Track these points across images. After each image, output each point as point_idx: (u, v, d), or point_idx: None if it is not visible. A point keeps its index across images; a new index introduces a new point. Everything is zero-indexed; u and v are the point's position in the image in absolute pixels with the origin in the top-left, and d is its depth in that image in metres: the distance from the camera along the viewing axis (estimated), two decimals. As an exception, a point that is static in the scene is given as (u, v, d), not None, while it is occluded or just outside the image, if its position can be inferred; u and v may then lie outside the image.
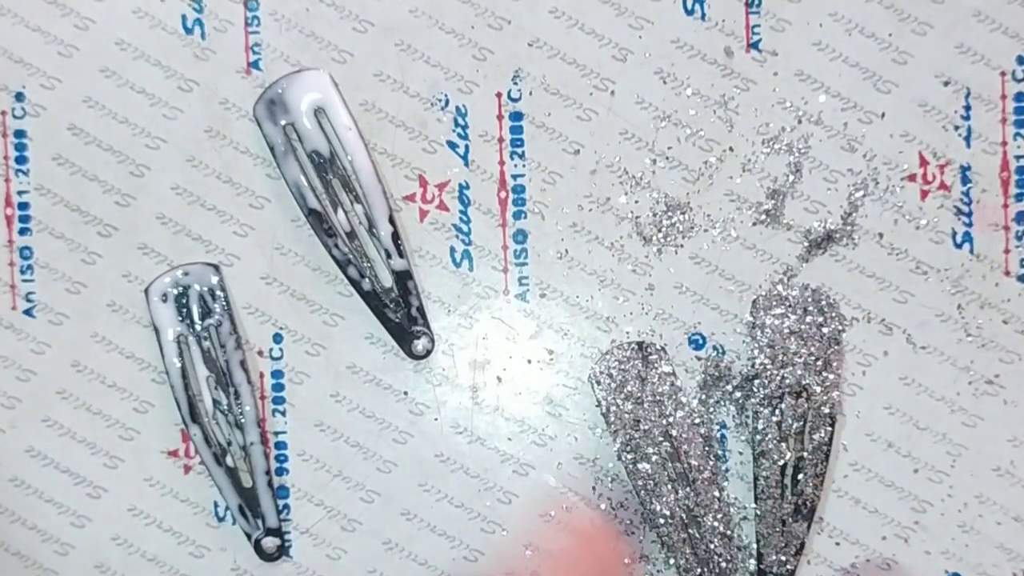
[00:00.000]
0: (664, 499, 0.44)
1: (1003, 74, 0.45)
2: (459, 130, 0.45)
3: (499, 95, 0.45)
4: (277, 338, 0.45)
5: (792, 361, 0.44)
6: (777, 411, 0.44)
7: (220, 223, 0.45)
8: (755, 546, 0.45)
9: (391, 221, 0.44)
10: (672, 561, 0.44)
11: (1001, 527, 0.45)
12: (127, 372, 0.45)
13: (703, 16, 0.45)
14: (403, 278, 0.44)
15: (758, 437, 0.44)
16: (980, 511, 0.45)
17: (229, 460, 0.44)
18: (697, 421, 0.44)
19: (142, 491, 0.45)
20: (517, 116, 0.45)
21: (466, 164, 0.45)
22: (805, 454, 0.44)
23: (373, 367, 0.45)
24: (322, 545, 0.45)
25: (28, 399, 0.45)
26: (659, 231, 0.45)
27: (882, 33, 0.45)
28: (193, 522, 0.45)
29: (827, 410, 0.44)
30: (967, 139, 0.45)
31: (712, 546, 0.44)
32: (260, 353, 0.45)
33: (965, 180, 0.45)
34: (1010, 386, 0.45)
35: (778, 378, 0.44)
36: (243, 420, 0.44)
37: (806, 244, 0.45)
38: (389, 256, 0.44)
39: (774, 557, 0.44)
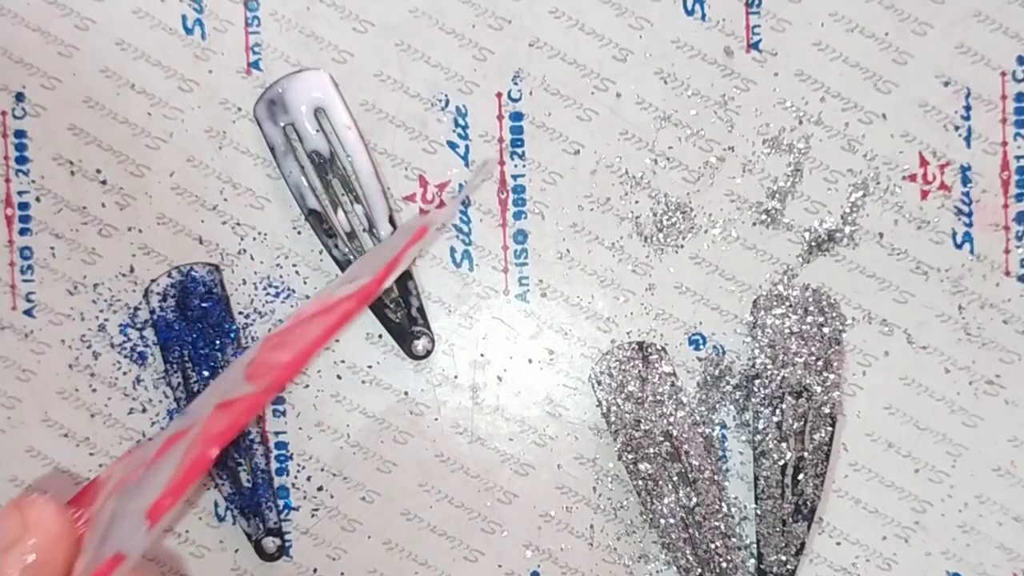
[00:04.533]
0: (664, 499, 0.44)
1: (1003, 74, 0.45)
2: (459, 130, 0.45)
3: (499, 95, 0.45)
4: (277, 338, 0.45)
5: (792, 361, 0.44)
6: (777, 411, 0.44)
7: (220, 223, 0.45)
8: (755, 546, 0.45)
9: (391, 221, 0.44)
10: (672, 561, 0.44)
11: (1001, 527, 0.45)
12: (127, 372, 0.45)
13: (703, 16, 0.45)
14: (403, 278, 0.44)
15: (758, 437, 0.44)
16: (980, 511, 0.45)
17: (229, 460, 0.44)
18: (697, 421, 0.44)
19: (142, 491, 0.45)
20: (517, 116, 0.45)
21: (466, 164, 0.45)
22: (805, 454, 0.44)
23: (373, 367, 0.45)
24: (322, 545, 0.45)
25: (28, 399, 0.45)
26: (659, 231, 0.45)
27: (882, 33, 0.45)
28: (193, 522, 0.45)
29: (827, 410, 0.44)
30: (967, 139, 0.45)
31: (713, 546, 0.44)
32: (260, 353, 0.45)
33: (965, 180, 0.45)
34: (1010, 386, 0.45)
35: (778, 378, 0.44)
36: (243, 420, 0.44)
37: (806, 244, 0.45)
38: (389, 256, 0.44)
39: (774, 557, 0.44)
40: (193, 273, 0.44)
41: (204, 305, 0.44)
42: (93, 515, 0.34)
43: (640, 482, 0.44)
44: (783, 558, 0.44)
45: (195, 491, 0.45)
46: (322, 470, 0.45)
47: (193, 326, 0.44)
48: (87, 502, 0.36)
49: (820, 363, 0.44)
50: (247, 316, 0.45)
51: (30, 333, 0.45)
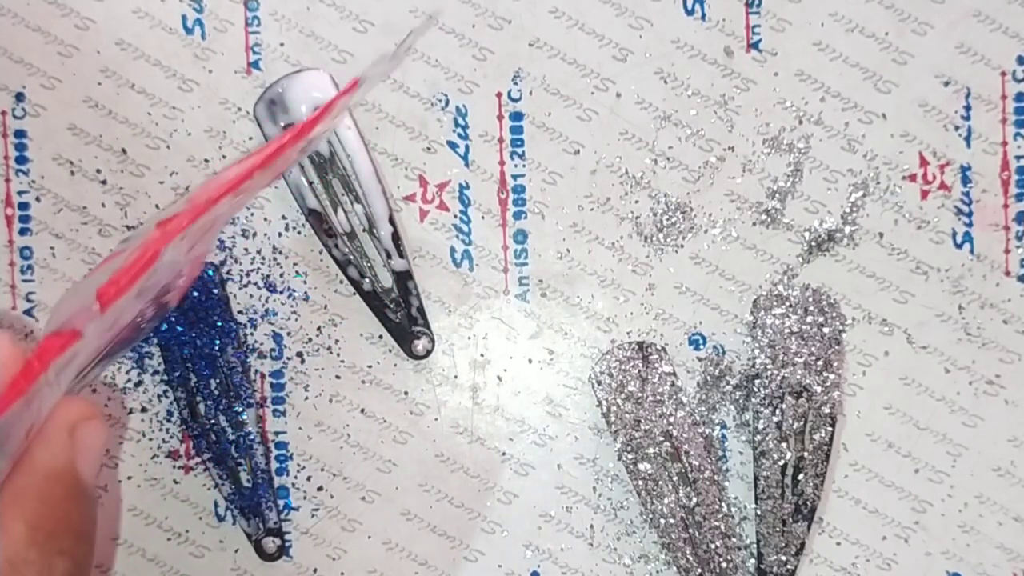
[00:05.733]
0: (664, 499, 0.44)
1: (1003, 74, 0.45)
2: (459, 130, 0.45)
3: (499, 95, 0.45)
4: (277, 338, 0.45)
5: (792, 361, 0.44)
6: (777, 411, 0.44)
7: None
8: (755, 546, 0.45)
9: (391, 221, 0.44)
10: (672, 561, 0.44)
11: (1001, 527, 0.45)
12: (127, 372, 0.45)
13: (703, 16, 0.45)
14: (403, 278, 0.44)
15: (758, 437, 0.44)
16: (980, 511, 0.45)
17: (229, 460, 0.44)
18: (697, 421, 0.44)
19: (142, 491, 0.45)
20: (517, 116, 0.45)
21: (466, 164, 0.45)
22: (805, 454, 0.44)
23: (373, 367, 0.45)
24: (322, 545, 0.45)
25: (28, 399, 0.45)
26: (659, 231, 0.45)
27: (882, 33, 0.45)
28: (193, 522, 0.45)
29: (827, 410, 0.44)
30: (967, 139, 0.45)
31: (713, 546, 0.44)
32: (260, 353, 0.45)
33: (965, 180, 0.45)
34: (1010, 386, 0.45)
35: (778, 378, 0.44)
36: (243, 420, 0.44)
37: (806, 244, 0.45)
38: (389, 256, 0.44)
39: (774, 557, 0.44)
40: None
41: (204, 305, 0.44)
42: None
43: (640, 482, 0.44)
44: (783, 558, 0.44)
45: (194, 490, 0.45)
46: (322, 470, 0.45)
47: (193, 326, 0.44)
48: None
49: (820, 363, 0.44)
50: (247, 316, 0.45)
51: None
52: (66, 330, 0.30)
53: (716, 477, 0.44)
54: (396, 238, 0.44)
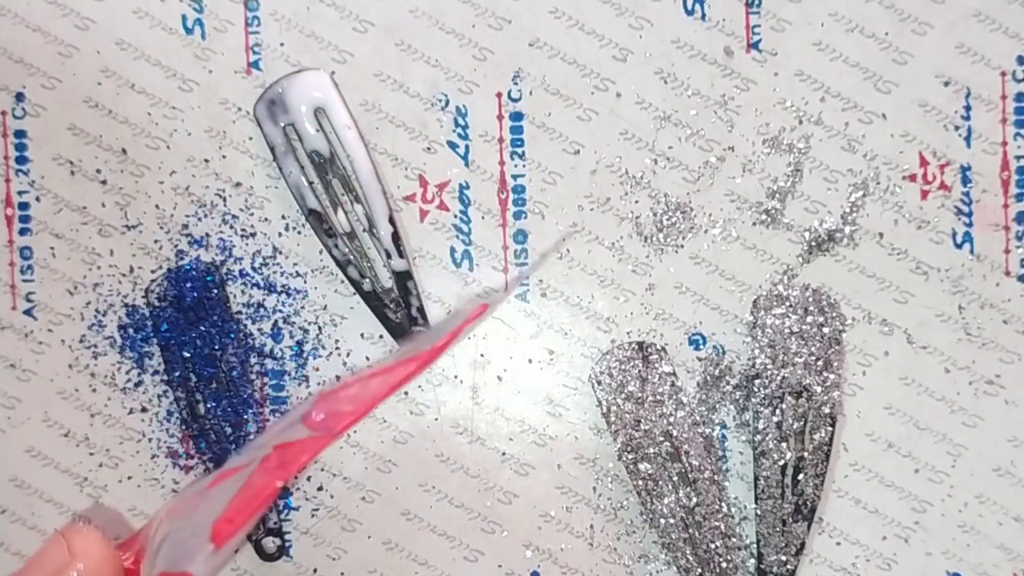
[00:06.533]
0: (664, 499, 0.44)
1: (1003, 74, 0.45)
2: (459, 130, 0.45)
3: (499, 95, 0.45)
4: (277, 338, 0.45)
5: (792, 361, 0.44)
6: (777, 411, 0.44)
7: (220, 223, 0.45)
8: (755, 546, 0.45)
9: (391, 221, 0.44)
10: (672, 561, 0.44)
11: (1001, 527, 0.45)
12: (127, 372, 0.45)
13: (703, 16, 0.45)
14: (403, 278, 0.44)
15: (758, 437, 0.44)
16: (980, 511, 0.45)
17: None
18: (697, 421, 0.44)
19: (142, 491, 0.45)
20: (517, 116, 0.45)
21: (466, 164, 0.45)
22: (805, 454, 0.44)
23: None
24: (322, 545, 0.45)
25: (28, 399, 0.45)
26: (659, 231, 0.45)
27: (882, 33, 0.45)
28: (193, 522, 0.45)
29: (827, 410, 0.44)
30: (967, 139, 0.45)
31: (713, 546, 0.44)
32: (260, 353, 0.45)
33: (965, 180, 0.45)
34: (1010, 386, 0.45)
35: (778, 378, 0.44)
36: (243, 420, 0.44)
37: (806, 244, 0.45)
38: (389, 256, 0.44)
39: (774, 557, 0.44)
40: (193, 273, 0.44)
41: (204, 305, 0.44)
42: (144, 542, 0.35)
43: (640, 482, 0.44)
44: (783, 558, 0.44)
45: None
46: (322, 470, 0.45)
47: (193, 326, 0.44)
48: (132, 548, 0.37)
49: (820, 363, 0.44)
50: (247, 316, 0.45)
51: (30, 333, 0.45)
52: (177, 573, 0.31)
53: (716, 477, 0.44)
54: (396, 238, 0.44)
